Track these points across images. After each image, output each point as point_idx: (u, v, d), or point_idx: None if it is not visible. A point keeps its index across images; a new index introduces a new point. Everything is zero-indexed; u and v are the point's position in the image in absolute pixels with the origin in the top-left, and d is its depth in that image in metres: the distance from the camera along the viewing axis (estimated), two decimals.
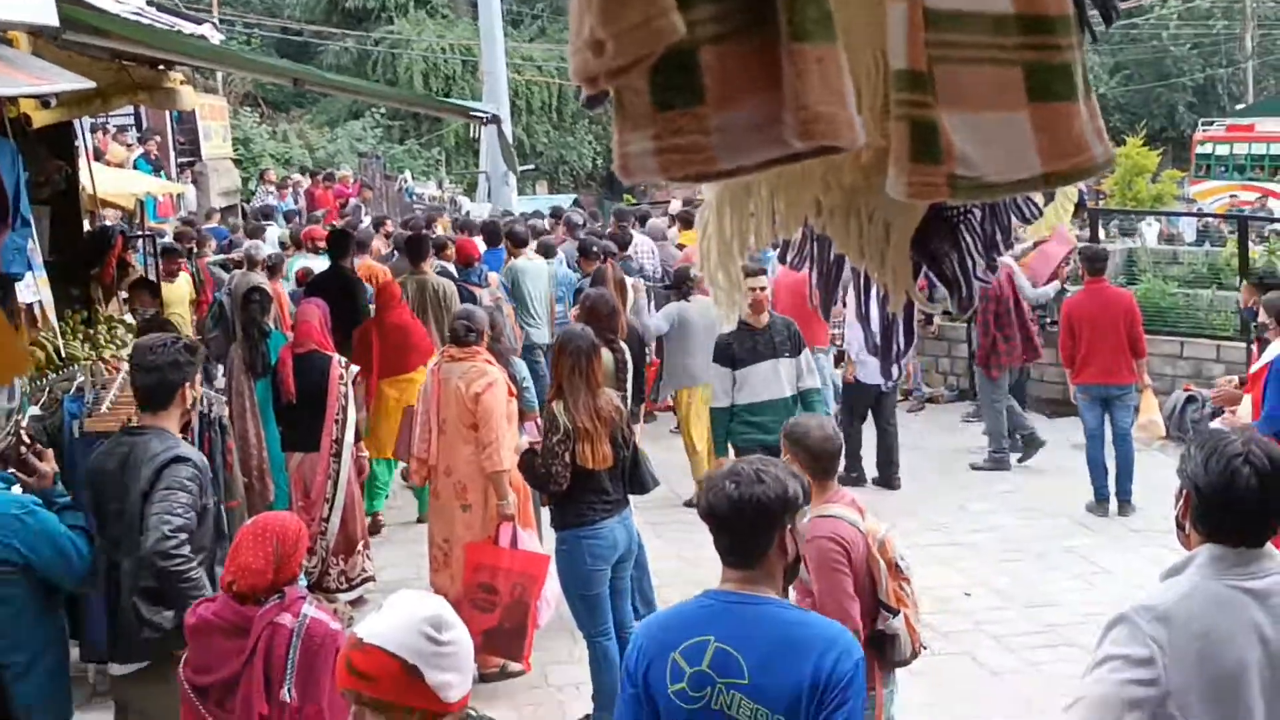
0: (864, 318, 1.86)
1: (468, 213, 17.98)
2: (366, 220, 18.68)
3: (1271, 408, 6.22)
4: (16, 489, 4.12)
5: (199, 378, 4.27)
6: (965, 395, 11.92)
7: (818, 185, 1.70)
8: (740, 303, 1.87)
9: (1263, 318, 7.00)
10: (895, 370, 1.84)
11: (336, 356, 7.13)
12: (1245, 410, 6.51)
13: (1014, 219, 1.80)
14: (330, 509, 6.89)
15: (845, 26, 1.30)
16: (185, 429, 4.31)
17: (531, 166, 28.94)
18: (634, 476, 5.64)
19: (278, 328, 8.79)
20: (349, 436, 6.89)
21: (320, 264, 11.84)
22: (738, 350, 7.15)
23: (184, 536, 3.90)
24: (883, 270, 1.76)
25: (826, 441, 4.03)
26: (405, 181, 22.45)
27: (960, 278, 1.76)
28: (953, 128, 1.46)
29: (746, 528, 2.64)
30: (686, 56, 1.20)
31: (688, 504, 8.90)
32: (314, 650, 3.46)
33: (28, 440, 4.37)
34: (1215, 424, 6.88)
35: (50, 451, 4.36)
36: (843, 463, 6.36)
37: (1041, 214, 1.82)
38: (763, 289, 7.17)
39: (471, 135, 25.48)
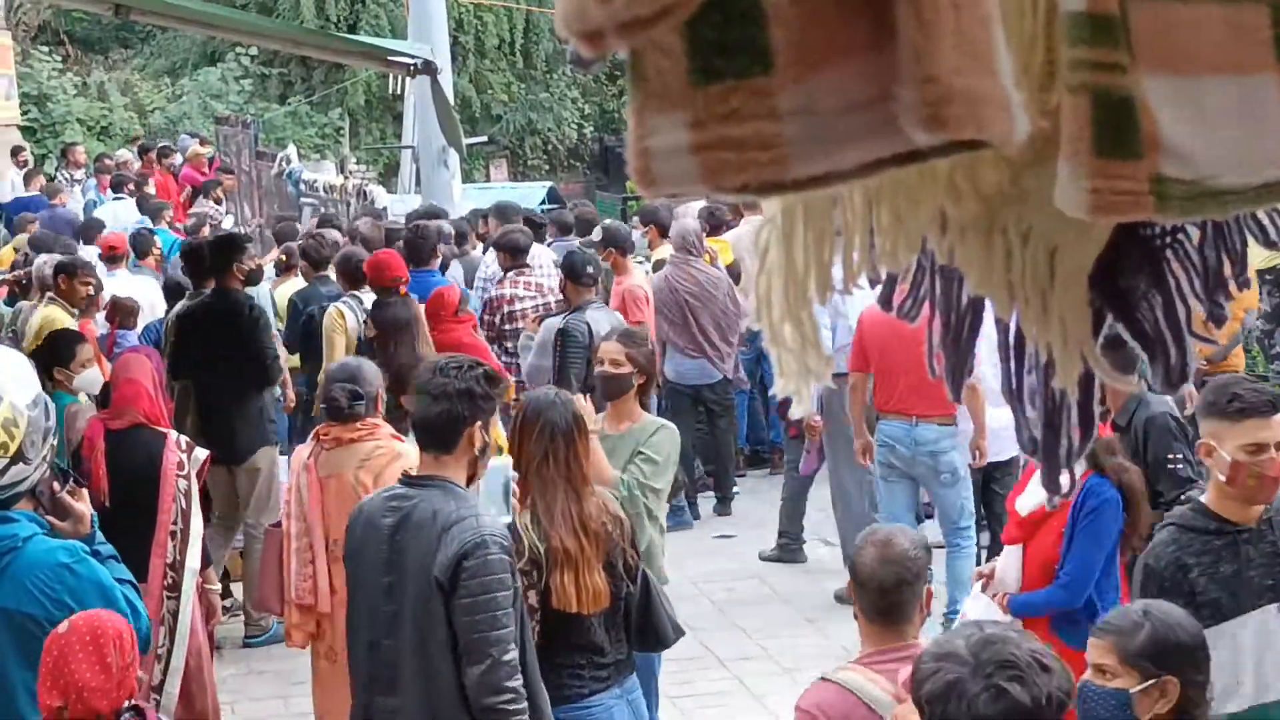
0: (1015, 395, 1.84)
1: (384, 210, 18.05)
2: (225, 220, 18.80)
3: (1086, 564, 5.98)
4: None
5: (495, 420, 5.12)
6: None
7: (942, 189, 1.69)
8: (820, 371, 1.85)
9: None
10: (1066, 479, 1.81)
11: (174, 435, 7.17)
12: (1010, 568, 6.15)
13: (1250, 241, 1.78)
14: (165, 670, 6.85)
15: None
16: (470, 481, 5.08)
17: (483, 139, 29.13)
18: (644, 623, 5.65)
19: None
20: (193, 559, 6.87)
21: (140, 286, 11.90)
22: (1200, 579, 4.88)
23: (515, 660, 4.76)
24: (1045, 321, 1.74)
25: (884, 565, 4.18)
26: (288, 162, 22.58)
27: (1167, 334, 1.74)
28: (1159, 102, 1.45)
29: None
30: None
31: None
32: None
33: (62, 474, 4.97)
34: (972, 602, 6.23)
35: (85, 491, 4.98)
36: None
37: None
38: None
39: (391, 91, 25.62)
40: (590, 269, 10.49)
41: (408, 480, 5.09)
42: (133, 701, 4.15)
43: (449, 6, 22.28)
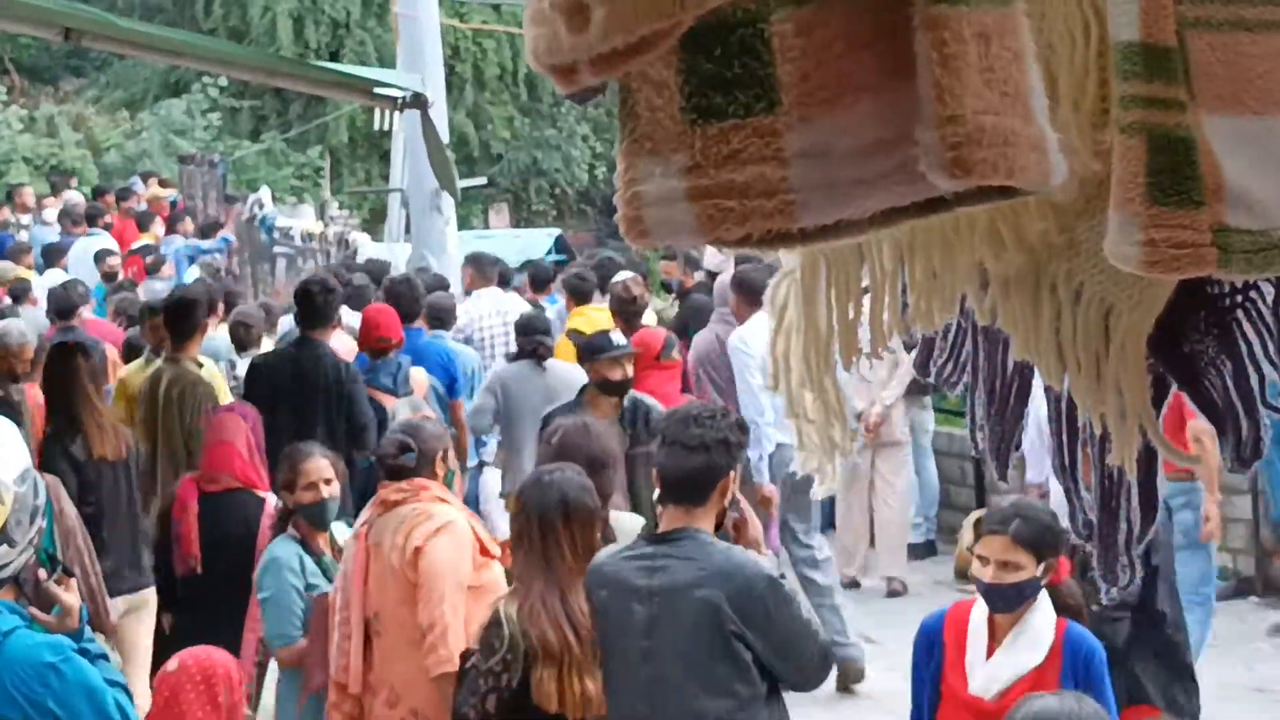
0: (1068, 472, 1.85)
1: (368, 261, 18.06)
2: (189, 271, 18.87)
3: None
4: None
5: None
6: (1249, 587, 11.87)
7: (981, 240, 1.70)
8: (846, 445, 1.87)
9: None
10: (1126, 570, 1.81)
11: (273, 499, 7.35)
12: None
13: None
14: None
15: None
16: (716, 531, 5.42)
17: (483, 181, 29.18)
18: None
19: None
20: None
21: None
22: None
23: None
24: (1099, 389, 1.74)
25: None
26: (260, 206, 22.62)
27: (1238, 404, 1.75)
28: (1222, 143, 1.46)
29: None
30: (746, 28, 1.20)
31: None
32: None
33: (50, 560, 4.93)
34: None
35: (74, 580, 4.95)
36: None
37: None
38: None
39: (378, 127, 25.75)
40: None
41: (654, 537, 5.42)
42: None
43: (443, 32, 22.32)
